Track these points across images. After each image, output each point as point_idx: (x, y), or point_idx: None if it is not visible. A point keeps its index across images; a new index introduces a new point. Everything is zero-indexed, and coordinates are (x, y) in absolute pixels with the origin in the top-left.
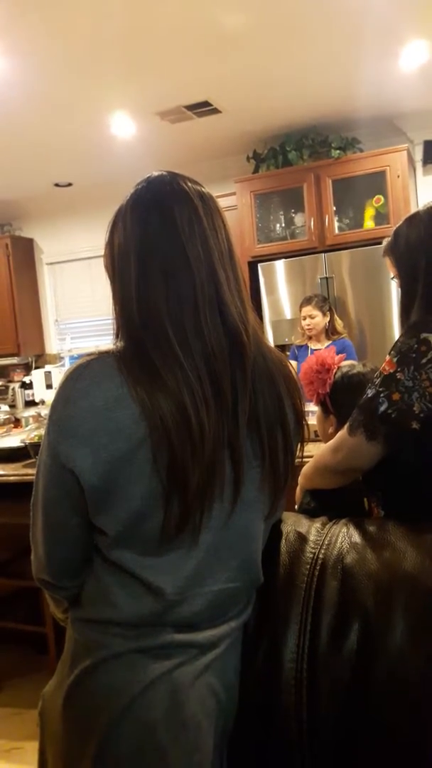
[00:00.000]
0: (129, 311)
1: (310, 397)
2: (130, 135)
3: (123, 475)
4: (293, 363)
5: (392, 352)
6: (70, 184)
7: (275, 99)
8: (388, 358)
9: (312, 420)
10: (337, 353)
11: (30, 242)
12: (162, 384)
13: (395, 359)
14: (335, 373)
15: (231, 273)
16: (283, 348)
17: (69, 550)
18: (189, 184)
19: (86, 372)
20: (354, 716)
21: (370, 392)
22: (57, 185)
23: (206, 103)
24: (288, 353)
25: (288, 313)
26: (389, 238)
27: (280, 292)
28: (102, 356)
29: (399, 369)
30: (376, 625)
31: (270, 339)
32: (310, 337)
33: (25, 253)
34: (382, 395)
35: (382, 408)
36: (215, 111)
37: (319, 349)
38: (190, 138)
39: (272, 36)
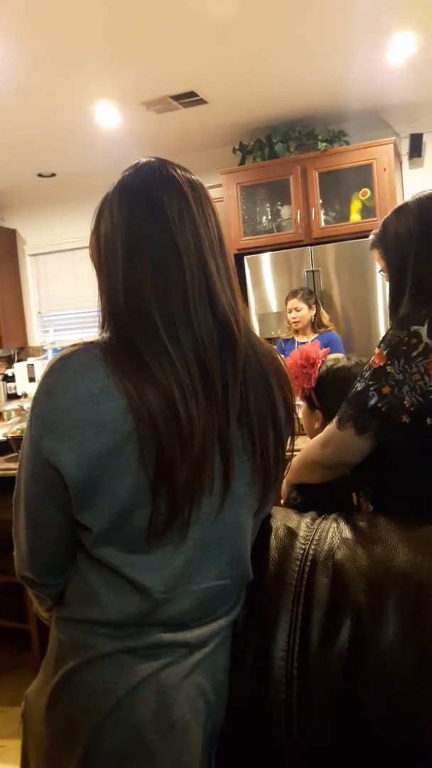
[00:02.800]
0: (116, 301)
1: (295, 392)
2: (115, 125)
3: (108, 470)
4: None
5: (382, 345)
6: (53, 175)
7: (262, 90)
8: (377, 351)
9: (298, 414)
10: (324, 346)
11: (13, 233)
12: (149, 375)
13: (385, 352)
14: (320, 368)
15: (221, 262)
16: (269, 341)
17: (52, 547)
18: (178, 171)
19: (70, 363)
20: (345, 714)
21: (359, 386)
22: (40, 175)
23: (192, 94)
24: (275, 347)
25: (274, 307)
26: (377, 230)
27: (267, 285)
28: (87, 347)
29: (389, 362)
30: (367, 622)
31: (256, 332)
32: (296, 331)
33: (7, 245)
34: (371, 389)
35: (372, 401)
36: (201, 101)
37: (306, 343)
38: (176, 128)
39: (259, 27)
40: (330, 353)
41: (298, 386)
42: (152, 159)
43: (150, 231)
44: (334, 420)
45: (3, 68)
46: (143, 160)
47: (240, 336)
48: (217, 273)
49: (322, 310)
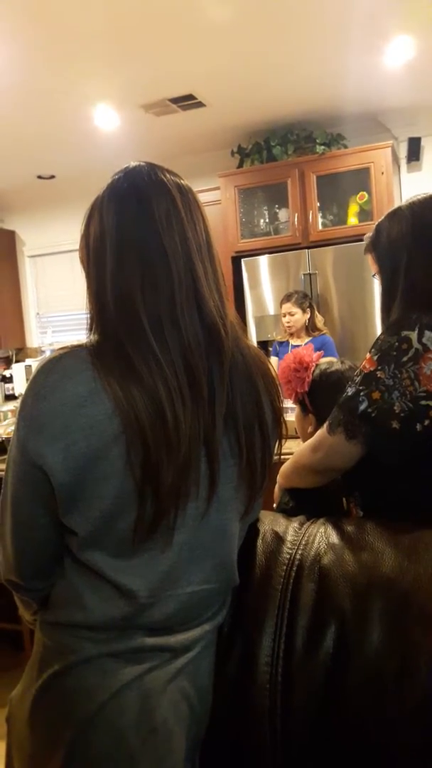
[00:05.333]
0: (104, 303)
1: (288, 396)
2: (113, 127)
3: (95, 473)
4: (274, 359)
5: (373, 350)
6: (52, 177)
7: (260, 93)
8: (368, 356)
9: (291, 417)
10: (317, 350)
11: (12, 235)
12: (136, 378)
13: (376, 357)
14: (313, 371)
15: (209, 266)
16: (265, 344)
17: (38, 551)
18: (167, 175)
19: (57, 366)
20: (329, 719)
21: (350, 390)
22: (40, 177)
23: (191, 96)
24: (270, 349)
25: (271, 309)
26: (370, 234)
27: (264, 287)
28: (74, 350)
29: (380, 367)
30: (352, 628)
31: (253, 335)
32: (291, 334)
33: (6, 246)
34: (362, 394)
35: (363, 407)
36: (200, 104)
37: (300, 346)
38: (175, 131)
39: (258, 30)
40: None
41: (291, 390)
42: (142, 163)
43: (138, 234)
44: (325, 425)
45: (2, 70)
46: (133, 163)
47: (227, 339)
48: (204, 277)
49: (316, 313)
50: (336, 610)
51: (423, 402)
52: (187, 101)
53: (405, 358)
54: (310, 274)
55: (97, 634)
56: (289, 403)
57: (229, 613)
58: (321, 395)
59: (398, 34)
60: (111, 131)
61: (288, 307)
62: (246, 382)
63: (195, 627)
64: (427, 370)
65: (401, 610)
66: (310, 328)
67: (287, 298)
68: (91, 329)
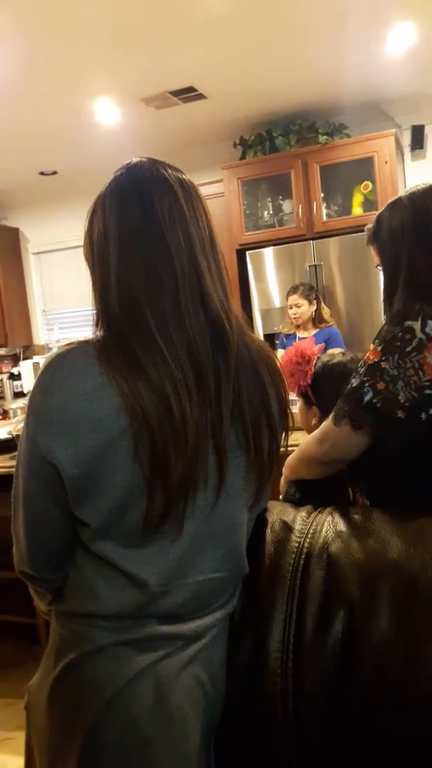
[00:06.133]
0: (109, 300)
1: (291, 389)
2: (115, 122)
3: (104, 466)
4: (281, 352)
5: (376, 341)
6: (55, 173)
7: (261, 84)
8: (372, 347)
9: (295, 409)
10: (323, 341)
11: (16, 232)
12: (143, 373)
13: (379, 348)
14: (316, 364)
15: (212, 261)
16: (272, 337)
17: (51, 543)
18: (169, 170)
19: (64, 362)
20: (339, 703)
21: (354, 382)
22: (42, 174)
23: (192, 89)
24: (277, 342)
25: (277, 302)
26: (371, 225)
27: (269, 280)
28: (81, 346)
29: (383, 358)
30: (360, 613)
31: (259, 327)
32: (297, 326)
33: (10, 243)
34: (366, 385)
35: (368, 397)
36: (201, 97)
37: (306, 338)
38: (176, 124)
39: (257, 20)
40: (330, 348)
41: (294, 383)
42: (143, 159)
43: (141, 230)
44: (330, 416)
45: (1, 67)
46: (134, 160)
47: (232, 333)
48: (208, 271)
49: (323, 305)
50: (344, 596)
51: (427, 391)
52: (187, 94)
53: (409, 348)
54: (315, 266)
55: (110, 623)
56: (293, 396)
57: (240, 600)
58: (324, 387)
59: (399, 21)
60: (112, 125)
61: (294, 299)
62: (252, 375)
63: (207, 615)
64: (431, 359)
65: (408, 596)
66: (316, 319)
67: (293, 289)
68: (97, 325)
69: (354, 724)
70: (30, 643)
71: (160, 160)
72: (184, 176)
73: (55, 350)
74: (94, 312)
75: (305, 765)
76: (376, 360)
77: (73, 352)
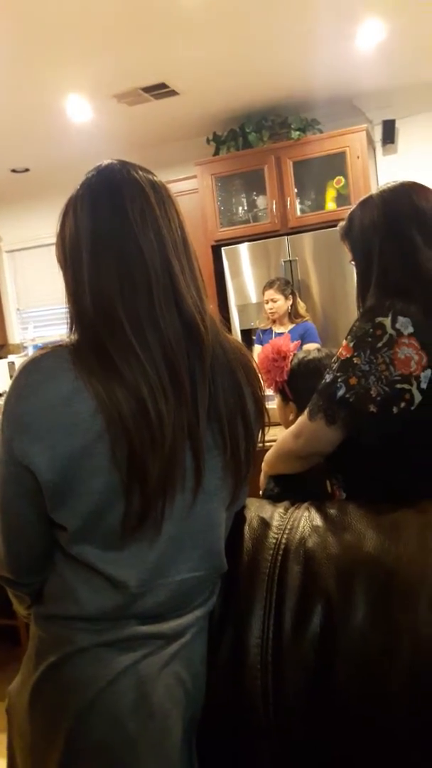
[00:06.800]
0: (82, 303)
1: (269, 385)
2: (87, 118)
3: (81, 470)
4: (258, 347)
5: (348, 337)
6: (27, 170)
7: (233, 80)
8: (344, 343)
9: (273, 405)
10: (299, 336)
11: None
12: (118, 376)
13: (351, 344)
14: (292, 361)
15: (186, 263)
16: (248, 332)
17: (30, 547)
18: (140, 172)
19: (39, 366)
20: (319, 696)
21: (328, 377)
22: (14, 171)
23: (163, 85)
24: (254, 337)
25: (253, 297)
26: (343, 222)
27: (245, 275)
28: (55, 350)
29: (356, 354)
30: (337, 607)
31: (236, 323)
32: (273, 321)
33: None
34: (339, 380)
35: (341, 392)
36: (173, 93)
37: (283, 333)
38: (149, 121)
39: (228, 17)
40: (305, 343)
41: (271, 380)
42: (114, 161)
43: (113, 233)
44: (305, 411)
45: None
46: (105, 162)
47: (206, 334)
48: (181, 273)
49: (298, 300)
50: (321, 591)
51: (398, 385)
52: (159, 90)
53: (380, 344)
54: (290, 261)
55: (91, 624)
56: (270, 392)
57: (219, 598)
58: (300, 383)
59: (368, 16)
60: (84, 122)
61: (270, 294)
62: (227, 375)
63: (186, 614)
64: (401, 354)
65: (384, 588)
66: (292, 314)
67: (269, 285)
68: (71, 329)
69: (334, 716)
70: (11, 645)
71: (131, 162)
72: (155, 178)
73: (30, 350)
74: (68, 315)
75: (287, 759)
76: (348, 356)
77: (47, 357)
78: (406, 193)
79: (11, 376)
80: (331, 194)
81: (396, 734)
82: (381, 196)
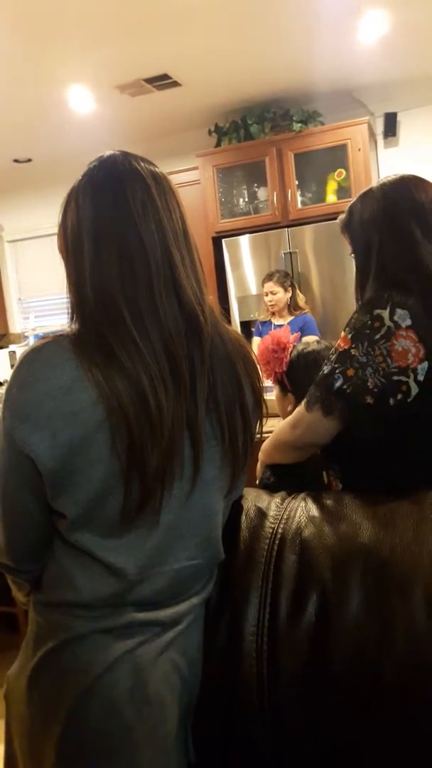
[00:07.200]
0: (83, 293)
1: (268, 376)
2: (89, 109)
3: (81, 458)
4: (258, 339)
5: (347, 329)
6: (29, 160)
7: (235, 71)
8: (343, 334)
9: (271, 396)
10: (299, 328)
11: None
12: (118, 365)
13: (350, 336)
14: (291, 352)
15: (186, 253)
16: (248, 323)
17: (29, 534)
18: (141, 163)
19: (40, 356)
20: (313, 685)
21: (326, 369)
22: (16, 161)
23: (166, 76)
24: (253, 329)
25: (253, 289)
26: (344, 215)
27: (245, 267)
28: (56, 339)
29: (353, 345)
30: (332, 596)
31: (236, 314)
32: (273, 313)
33: None
34: (337, 371)
35: (338, 384)
36: (175, 84)
37: (282, 325)
38: (151, 112)
39: (231, 8)
40: (304, 335)
41: (270, 371)
42: (116, 152)
43: (115, 223)
44: (303, 402)
45: None
46: (107, 153)
47: (206, 325)
48: (182, 264)
49: (298, 292)
50: (317, 580)
51: (395, 377)
52: (162, 81)
53: (377, 336)
54: (290, 253)
55: (88, 611)
56: (269, 383)
57: (215, 586)
58: (299, 374)
59: (371, 8)
60: (86, 113)
61: (270, 286)
62: (226, 366)
63: (183, 601)
64: (398, 346)
65: (379, 578)
66: (292, 306)
67: (269, 277)
68: (71, 318)
69: (328, 704)
70: (10, 631)
71: (132, 153)
72: (156, 169)
73: (31, 340)
74: (69, 305)
75: (281, 746)
76: (346, 347)
77: (48, 346)
78: (406, 186)
79: (12, 366)
80: (332, 186)
81: (390, 722)
82: (381, 189)
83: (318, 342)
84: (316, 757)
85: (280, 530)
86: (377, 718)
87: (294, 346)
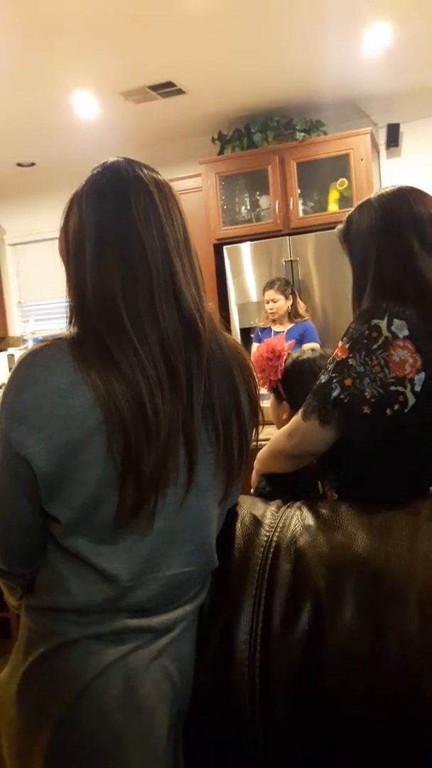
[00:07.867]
0: (83, 297)
1: (263, 384)
2: (93, 115)
3: (77, 462)
4: (256, 345)
5: (344, 339)
6: (33, 164)
7: (240, 80)
8: (340, 344)
9: (267, 404)
10: (299, 336)
11: None
12: (116, 369)
13: (347, 345)
14: (286, 360)
15: (187, 261)
16: (248, 331)
17: (23, 538)
18: (144, 170)
19: (38, 358)
20: (306, 693)
21: (323, 378)
22: (20, 165)
23: (170, 84)
24: (252, 336)
25: (254, 296)
26: (341, 225)
27: (246, 274)
28: (55, 342)
29: (351, 355)
30: (326, 605)
31: (236, 321)
32: (273, 320)
33: None
34: (334, 381)
35: (335, 393)
36: (180, 92)
37: (282, 332)
38: (155, 119)
39: (237, 17)
40: (305, 342)
41: (265, 379)
42: (120, 158)
43: (117, 229)
44: (300, 411)
45: None
46: (111, 159)
47: (204, 331)
48: (182, 271)
49: (298, 300)
50: (311, 589)
51: (392, 387)
52: (166, 88)
53: (375, 346)
54: (291, 261)
55: (81, 617)
56: (264, 391)
57: (209, 594)
58: (294, 383)
59: (376, 20)
60: (91, 119)
61: (271, 294)
62: (223, 372)
63: (176, 608)
64: (396, 357)
65: (373, 588)
66: (292, 314)
67: (270, 285)
68: (71, 322)
69: (321, 713)
70: (2, 637)
71: (135, 160)
72: (159, 176)
73: (30, 344)
74: (68, 308)
75: (273, 754)
76: (343, 357)
77: (46, 349)
78: (404, 197)
79: (11, 369)
80: (333, 196)
81: (382, 731)
82: (379, 200)
83: (312, 350)
84: (308, 765)
85: (275, 539)
86: (369, 727)
87: (289, 354)
